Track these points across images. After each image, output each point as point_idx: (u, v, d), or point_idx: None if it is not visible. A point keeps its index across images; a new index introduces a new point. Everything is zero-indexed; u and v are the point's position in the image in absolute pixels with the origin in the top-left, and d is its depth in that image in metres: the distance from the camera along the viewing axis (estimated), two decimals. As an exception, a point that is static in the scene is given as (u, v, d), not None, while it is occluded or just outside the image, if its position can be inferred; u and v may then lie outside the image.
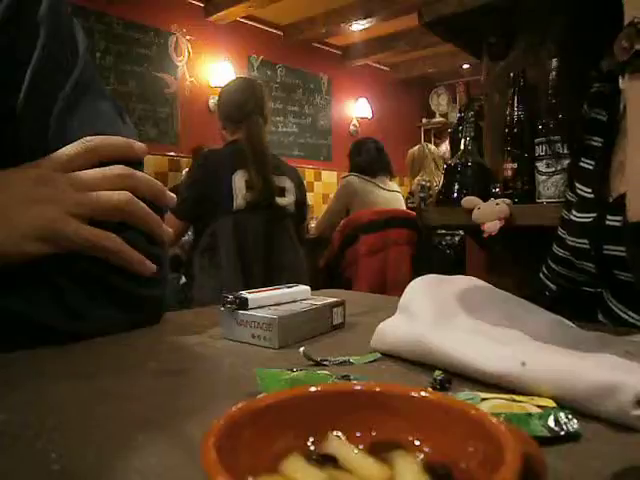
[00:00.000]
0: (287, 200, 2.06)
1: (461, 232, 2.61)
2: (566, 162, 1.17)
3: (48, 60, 0.53)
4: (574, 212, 0.69)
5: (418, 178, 3.54)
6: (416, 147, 3.81)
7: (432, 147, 3.86)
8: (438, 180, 3.27)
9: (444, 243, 2.69)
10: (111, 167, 0.53)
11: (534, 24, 1.32)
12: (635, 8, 0.40)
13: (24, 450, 0.28)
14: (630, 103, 0.43)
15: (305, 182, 5.18)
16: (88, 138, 0.52)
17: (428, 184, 3.38)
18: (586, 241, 0.66)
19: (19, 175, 0.48)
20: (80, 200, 0.49)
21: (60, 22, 0.56)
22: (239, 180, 1.93)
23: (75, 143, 0.52)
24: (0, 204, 0.46)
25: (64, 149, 0.51)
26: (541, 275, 0.79)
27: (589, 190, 0.69)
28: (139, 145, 0.57)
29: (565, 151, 1.16)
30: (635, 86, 0.40)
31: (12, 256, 0.46)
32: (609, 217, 0.62)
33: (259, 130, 1.99)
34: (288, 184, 2.07)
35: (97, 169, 0.52)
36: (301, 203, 2.15)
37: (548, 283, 0.77)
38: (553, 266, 0.76)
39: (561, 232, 0.73)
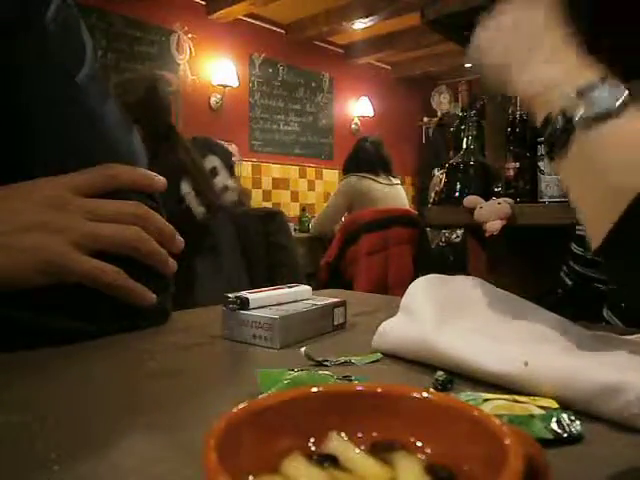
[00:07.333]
0: (220, 180, 2.04)
1: (446, 233, 2.56)
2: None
3: (56, 65, 0.53)
4: None
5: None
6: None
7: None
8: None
9: (442, 244, 2.66)
10: (129, 203, 0.52)
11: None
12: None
13: (24, 451, 0.28)
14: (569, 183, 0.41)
15: (306, 180, 5.03)
16: (109, 165, 0.52)
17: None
18: None
19: (35, 193, 0.48)
20: (89, 231, 0.48)
21: (69, 24, 0.56)
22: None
23: (96, 168, 0.51)
24: (4, 230, 0.45)
25: (84, 173, 0.50)
26: (562, 273, 0.80)
27: None
28: (158, 179, 0.56)
29: None
30: (569, 166, 0.39)
31: (14, 285, 0.45)
32: None
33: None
34: (217, 163, 2.07)
35: (115, 202, 0.51)
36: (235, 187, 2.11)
37: (566, 280, 0.78)
38: (571, 263, 0.77)
39: (578, 229, 0.74)
